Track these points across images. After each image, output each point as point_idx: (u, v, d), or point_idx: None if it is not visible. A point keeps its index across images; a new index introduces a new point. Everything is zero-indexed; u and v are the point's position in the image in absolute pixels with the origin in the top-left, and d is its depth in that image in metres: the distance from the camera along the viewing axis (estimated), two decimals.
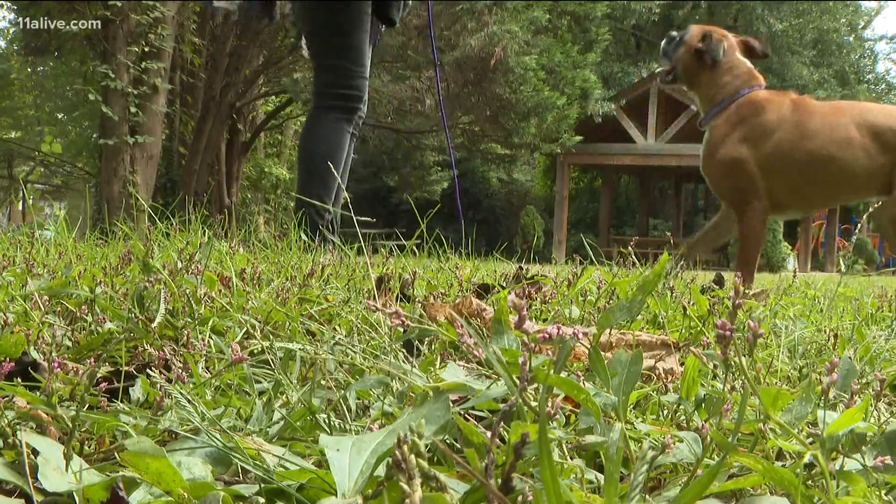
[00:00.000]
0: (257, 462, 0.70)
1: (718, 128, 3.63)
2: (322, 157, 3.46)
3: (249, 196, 16.51)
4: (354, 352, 1.10)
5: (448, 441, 0.78)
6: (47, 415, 0.79)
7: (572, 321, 1.53)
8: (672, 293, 1.90)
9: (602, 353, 0.83)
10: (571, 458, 0.76)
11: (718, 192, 3.69)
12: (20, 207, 24.06)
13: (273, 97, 16.32)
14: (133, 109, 10.36)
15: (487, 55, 13.37)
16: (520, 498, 0.55)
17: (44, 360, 1.00)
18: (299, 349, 1.07)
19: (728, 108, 3.60)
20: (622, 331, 1.30)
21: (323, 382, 1.00)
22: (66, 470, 0.64)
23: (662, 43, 3.91)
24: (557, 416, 0.77)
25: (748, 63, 3.71)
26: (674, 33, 3.92)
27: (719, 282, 3.02)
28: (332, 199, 3.56)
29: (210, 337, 1.22)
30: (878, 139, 3.45)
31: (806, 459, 0.69)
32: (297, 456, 0.76)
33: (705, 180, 3.70)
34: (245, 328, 1.31)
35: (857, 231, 2.21)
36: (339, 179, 3.37)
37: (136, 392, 0.97)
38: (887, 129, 3.44)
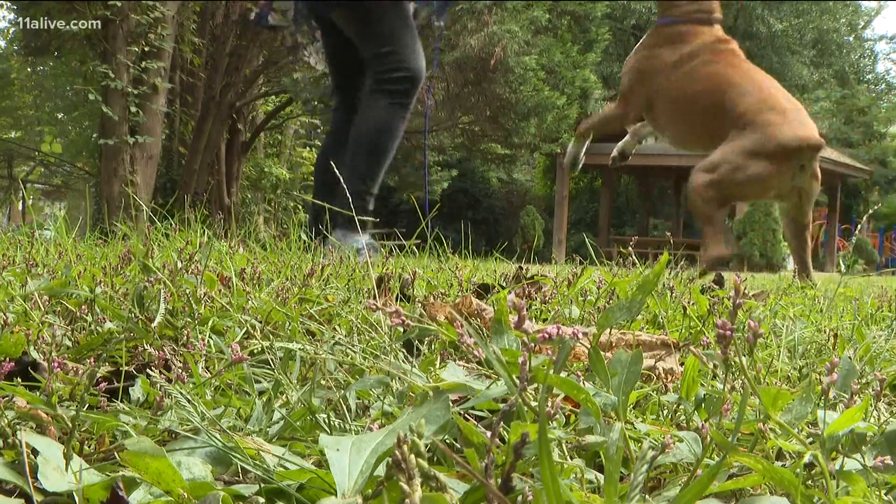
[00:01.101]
0: (257, 462, 0.70)
1: (653, 37, 4.14)
2: (370, 141, 3.65)
3: (249, 196, 16.48)
4: (354, 352, 1.10)
5: (448, 441, 0.78)
6: (47, 415, 0.79)
7: (572, 321, 1.53)
8: (672, 293, 1.90)
9: (602, 353, 0.83)
10: (571, 458, 0.76)
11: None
12: (20, 207, 24.05)
13: (273, 97, 16.29)
14: (133, 109, 10.35)
15: (487, 55, 13.36)
16: (520, 498, 0.55)
17: (44, 360, 1.00)
18: (299, 349, 1.07)
19: (668, 25, 4.05)
20: (622, 331, 1.30)
21: (323, 382, 1.00)
22: (66, 470, 0.64)
23: None
24: (557, 416, 0.77)
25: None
26: None
27: (719, 282, 3.03)
28: (378, 183, 3.71)
29: (210, 337, 1.22)
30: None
31: (806, 459, 0.69)
32: (297, 456, 0.76)
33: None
34: (245, 328, 1.31)
35: (857, 231, 2.21)
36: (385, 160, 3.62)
37: (136, 392, 0.97)
38: None
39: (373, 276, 1.71)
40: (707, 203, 3.54)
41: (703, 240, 3.58)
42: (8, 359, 0.88)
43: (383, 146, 3.65)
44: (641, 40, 4.13)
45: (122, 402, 0.91)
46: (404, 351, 1.14)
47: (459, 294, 1.77)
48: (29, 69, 21.14)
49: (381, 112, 3.67)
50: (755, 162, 3.50)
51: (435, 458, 0.77)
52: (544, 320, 1.60)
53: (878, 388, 0.85)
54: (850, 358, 1.01)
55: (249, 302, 1.50)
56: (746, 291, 1.97)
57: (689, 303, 1.65)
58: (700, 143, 3.92)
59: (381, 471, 0.63)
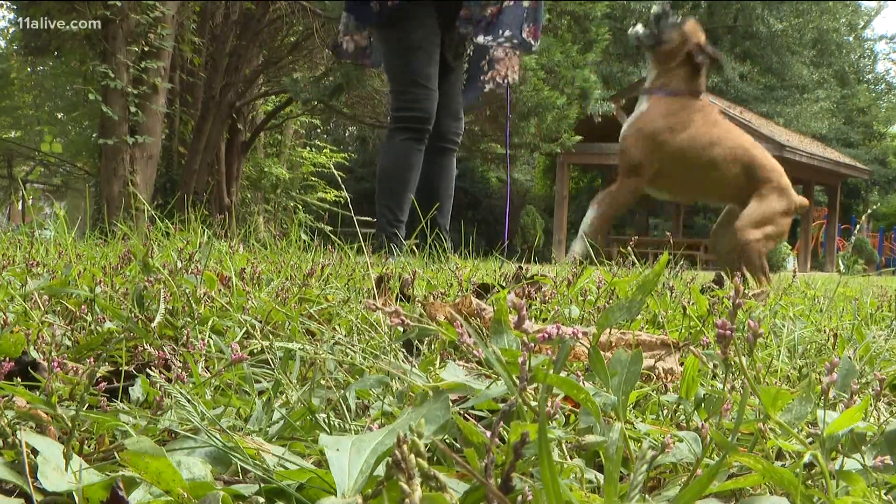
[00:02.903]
0: (257, 462, 0.70)
1: (656, 106, 4.47)
2: (389, 172, 3.92)
3: (249, 196, 16.48)
4: (354, 351, 1.10)
5: (448, 441, 0.78)
6: (47, 414, 0.79)
7: (572, 321, 1.53)
8: (672, 293, 1.90)
9: (602, 352, 0.83)
10: (571, 458, 0.76)
11: (620, 158, 4.48)
12: (20, 207, 24.05)
13: (273, 97, 16.29)
14: (133, 109, 10.35)
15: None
16: (519, 498, 0.55)
17: (44, 360, 1.00)
18: (299, 349, 1.07)
19: (668, 96, 4.42)
20: (622, 331, 1.30)
21: (323, 382, 1.00)
22: (66, 469, 0.64)
23: (656, 9, 4.50)
24: (557, 416, 0.77)
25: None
26: (670, 13, 4.52)
27: (719, 282, 3.03)
28: (406, 212, 3.92)
29: (210, 337, 1.22)
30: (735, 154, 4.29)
31: (806, 459, 0.69)
32: (297, 455, 0.76)
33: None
34: (245, 328, 1.31)
35: (856, 231, 2.22)
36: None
37: (136, 392, 0.97)
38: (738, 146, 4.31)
39: (372, 275, 1.71)
40: (762, 255, 4.22)
41: (755, 276, 4.07)
42: (8, 358, 0.88)
43: (402, 178, 3.90)
44: (636, 113, 4.50)
45: (122, 401, 0.91)
46: (404, 351, 1.14)
47: (459, 294, 1.77)
48: (29, 69, 21.12)
49: (396, 146, 3.93)
50: (785, 221, 4.35)
51: (435, 458, 0.77)
52: (544, 320, 1.60)
53: (878, 388, 0.85)
54: (849, 358, 1.01)
55: (249, 302, 1.50)
56: (746, 291, 1.97)
57: (688, 303, 1.65)
58: (715, 195, 4.52)
59: (380, 470, 0.63)
